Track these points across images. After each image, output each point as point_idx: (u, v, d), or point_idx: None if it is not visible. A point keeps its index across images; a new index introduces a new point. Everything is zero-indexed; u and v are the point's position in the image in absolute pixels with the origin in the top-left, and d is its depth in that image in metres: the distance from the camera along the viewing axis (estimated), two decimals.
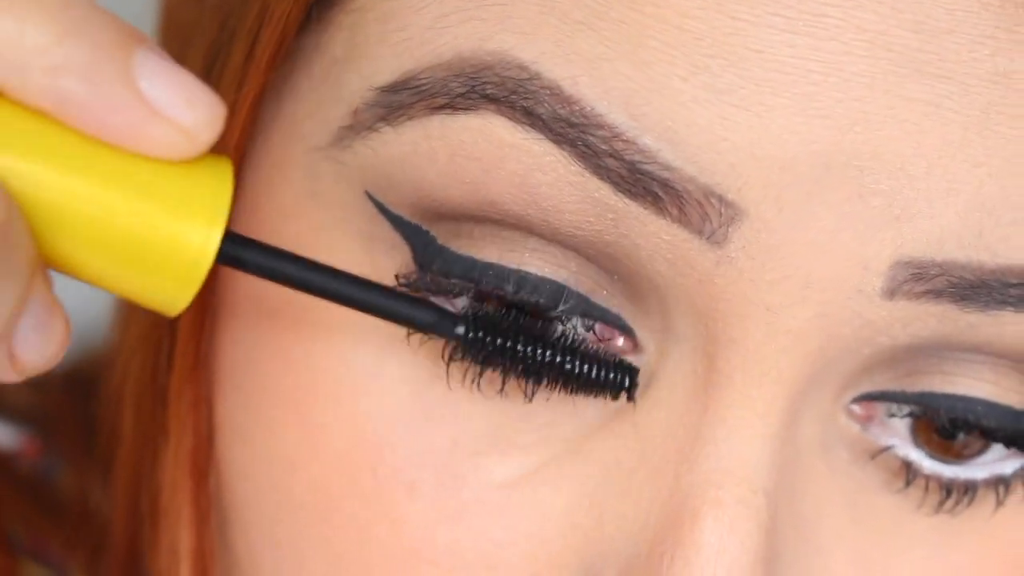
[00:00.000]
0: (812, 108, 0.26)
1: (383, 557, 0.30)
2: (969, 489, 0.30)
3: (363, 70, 0.29)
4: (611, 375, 0.29)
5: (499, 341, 0.29)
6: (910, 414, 0.30)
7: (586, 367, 0.29)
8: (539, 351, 0.29)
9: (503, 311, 0.29)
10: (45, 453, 0.40)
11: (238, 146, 0.31)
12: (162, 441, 0.34)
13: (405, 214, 0.29)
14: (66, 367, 0.38)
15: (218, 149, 0.29)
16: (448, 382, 0.29)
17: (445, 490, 0.30)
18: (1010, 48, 0.26)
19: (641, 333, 0.29)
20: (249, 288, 0.32)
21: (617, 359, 0.29)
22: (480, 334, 0.29)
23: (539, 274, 0.29)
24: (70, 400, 0.41)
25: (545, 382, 0.29)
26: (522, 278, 0.29)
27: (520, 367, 0.29)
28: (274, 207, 0.31)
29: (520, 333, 0.29)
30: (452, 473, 0.30)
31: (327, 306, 0.30)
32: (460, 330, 0.29)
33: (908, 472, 0.30)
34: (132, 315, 0.36)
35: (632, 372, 0.29)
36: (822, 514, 0.30)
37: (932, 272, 0.27)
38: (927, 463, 0.30)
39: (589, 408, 0.30)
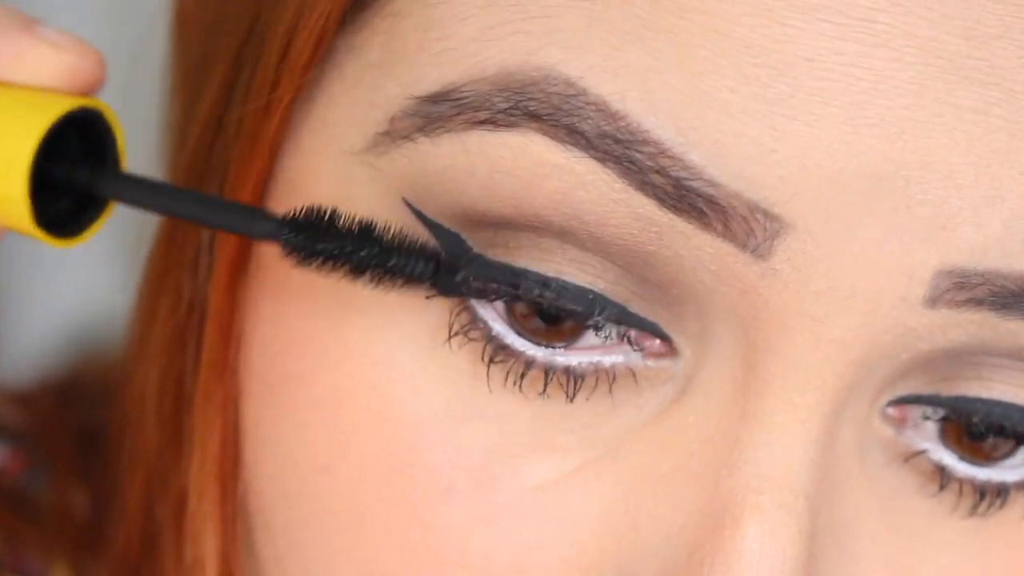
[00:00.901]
0: (861, 117, 0.26)
1: (415, 562, 0.30)
2: (1002, 492, 0.30)
3: (401, 77, 0.29)
4: (417, 266, 0.29)
5: (321, 244, 0.29)
6: (944, 417, 0.30)
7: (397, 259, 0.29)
8: (360, 252, 0.29)
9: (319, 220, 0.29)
10: (29, 467, 0.40)
11: (272, 149, 0.31)
12: (187, 446, 0.34)
13: (443, 221, 0.29)
14: (54, 380, 0.38)
15: (253, 149, 0.29)
16: (488, 384, 0.30)
17: (481, 493, 0.30)
18: None
19: (678, 339, 0.29)
20: (283, 286, 0.32)
21: (422, 250, 0.29)
22: (301, 235, 0.29)
23: (577, 283, 0.29)
24: (58, 413, 0.42)
25: (368, 276, 0.29)
26: (562, 286, 0.29)
27: (345, 266, 0.29)
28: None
29: (343, 237, 0.29)
30: (488, 476, 0.30)
31: (365, 305, 0.30)
32: (279, 233, 0.29)
33: (942, 476, 0.30)
34: (153, 321, 0.36)
35: (436, 258, 0.29)
36: (859, 520, 0.30)
37: (974, 281, 0.27)
38: (960, 466, 0.30)
39: (628, 410, 0.30)
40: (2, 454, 0.40)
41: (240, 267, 0.33)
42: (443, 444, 0.30)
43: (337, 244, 0.29)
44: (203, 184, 0.33)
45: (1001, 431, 0.30)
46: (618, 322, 0.29)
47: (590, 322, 0.29)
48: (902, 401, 0.30)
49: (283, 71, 0.30)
